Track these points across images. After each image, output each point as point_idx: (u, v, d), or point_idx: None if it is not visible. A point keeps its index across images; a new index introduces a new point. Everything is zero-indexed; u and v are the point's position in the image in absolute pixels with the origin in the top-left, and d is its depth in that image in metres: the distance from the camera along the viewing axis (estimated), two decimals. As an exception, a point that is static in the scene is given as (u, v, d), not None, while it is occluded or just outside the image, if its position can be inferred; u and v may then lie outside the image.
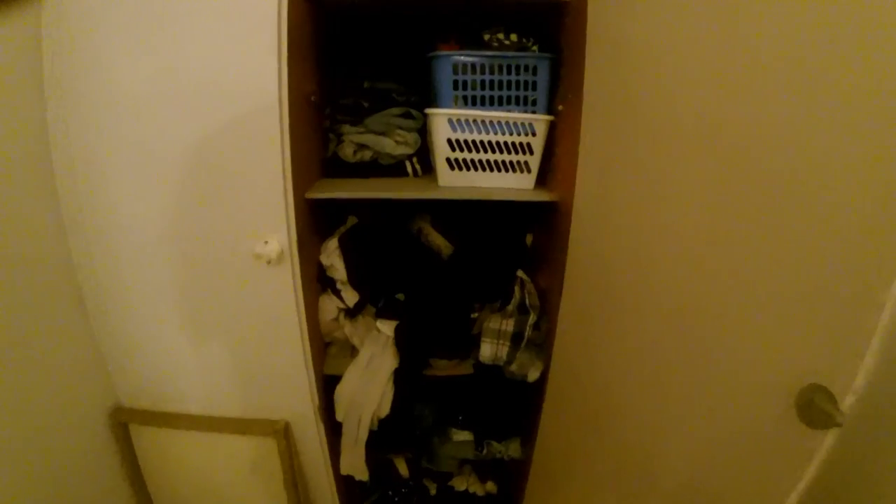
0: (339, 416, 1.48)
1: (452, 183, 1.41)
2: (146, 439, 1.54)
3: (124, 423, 1.49)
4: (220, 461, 1.56)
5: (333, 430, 1.54)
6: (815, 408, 0.64)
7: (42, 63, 1.15)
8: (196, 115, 1.19)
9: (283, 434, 1.46)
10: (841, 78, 0.60)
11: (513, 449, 1.75)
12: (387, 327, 1.49)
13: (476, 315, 1.53)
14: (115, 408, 1.48)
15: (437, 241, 1.57)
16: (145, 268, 1.34)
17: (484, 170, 1.40)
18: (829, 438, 0.65)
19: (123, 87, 1.17)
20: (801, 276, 0.68)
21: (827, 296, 0.65)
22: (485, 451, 1.75)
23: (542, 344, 1.48)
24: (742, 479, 0.81)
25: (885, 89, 0.56)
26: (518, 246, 1.58)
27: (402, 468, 1.83)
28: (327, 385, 1.51)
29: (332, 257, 1.46)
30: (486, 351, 1.47)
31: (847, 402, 0.62)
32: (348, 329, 1.51)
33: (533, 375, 1.50)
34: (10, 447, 1.15)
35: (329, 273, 1.49)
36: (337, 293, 1.48)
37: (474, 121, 1.34)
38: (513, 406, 1.69)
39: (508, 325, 1.46)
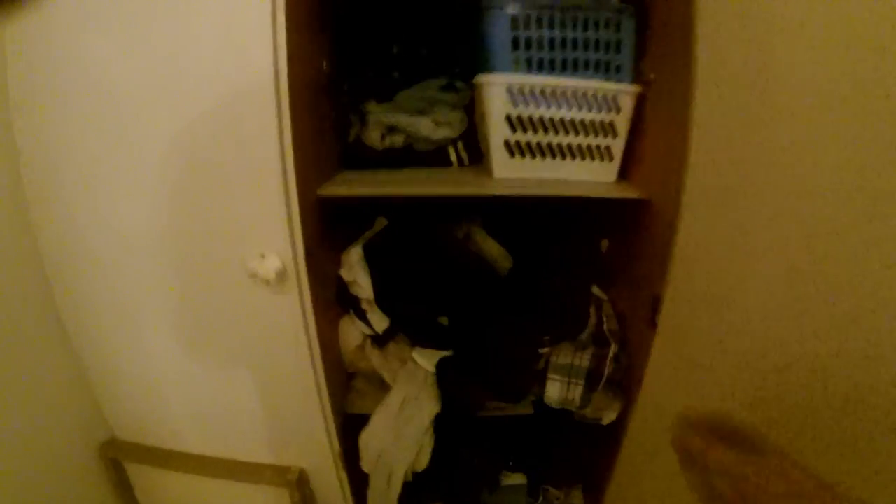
0: (367, 468, 1.19)
1: (512, 174, 1.07)
2: (143, 479, 1.34)
3: (118, 459, 1.29)
4: None
5: (358, 477, 1.25)
6: None
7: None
8: (179, 99, 0.93)
9: (297, 484, 1.20)
10: None
11: (575, 497, 1.44)
12: (426, 360, 1.17)
13: (546, 350, 1.17)
14: (108, 441, 1.28)
15: (492, 249, 1.22)
16: (129, 285, 1.10)
17: (553, 156, 1.07)
18: None
19: (95, 74, 0.92)
20: None
21: None
22: (540, 499, 1.44)
23: (620, 381, 1.16)
24: None
25: None
26: (593, 256, 1.23)
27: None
28: (352, 426, 1.22)
29: (355, 271, 1.15)
30: (554, 392, 1.15)
31: None
32: (377, 360, 1.20)
33: (609, 417, 1.18)
34: None
35: (352, 290, 1.18)
36: (362, 316, 1.17)
37: (541, 91, 1.01)
38: (578, 448, 1.37)
39: (582, 360, 1.13)
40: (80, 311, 1.14)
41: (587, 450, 1.35)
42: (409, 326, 1.23)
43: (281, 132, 0.89)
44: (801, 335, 0.70)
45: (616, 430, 1.19)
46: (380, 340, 1.21)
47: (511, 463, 1.44)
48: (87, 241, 1.06)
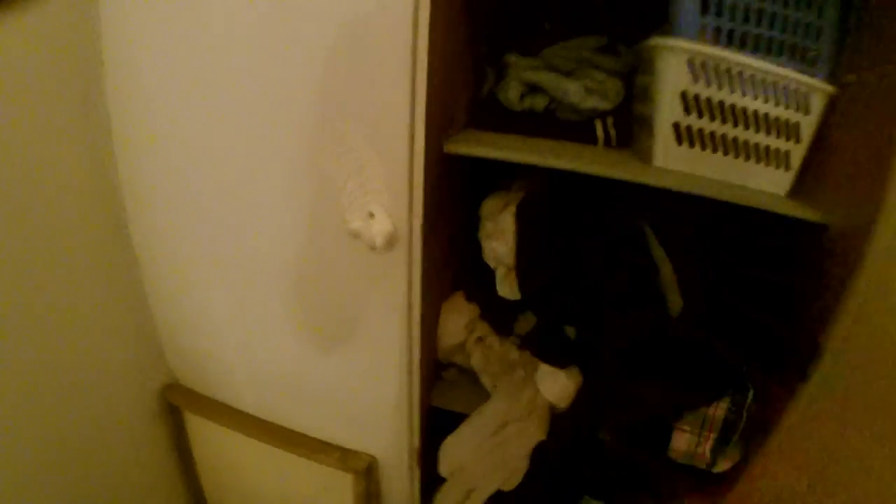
0: (444, 473, 1.08)
1: (676, 165, 0.91)
2: (201, 432, 1.34)
3: (178, 406, 1.30)
4: (282, 481, 1.30)
5: (428, 473, 1.16)
6: None
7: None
8: (297, 24, 0.80)
9: (366, 473, 1.12)
10: None
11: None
12: (551, 384, 1.02)
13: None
14: (171, 384, 1.30)
15: (665, 269, 0.96)
16: (208, 230, 1.04)
17: (726, 152, 0.90)
18: None
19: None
20: None
21: None
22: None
23: (746, 429, 0.99)
24: None
25: None
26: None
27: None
28: (433, 418, 1.12)
29: (502, 226, 1.02)
30: (681, 444, 0.99)
31: None
32: (477, 358, 1.08)
33: (721, 466, 1.02)
34: (56, 420, 1.03)
35: (488, 250, 1.06)
36: (486, 282, 1.06)
37: (727, 70, 0.85)
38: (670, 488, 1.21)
39: (719, 410, 0.97)
40: (159, 255, 1.12)
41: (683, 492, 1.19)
42: (541, 311, 1.08)
43: (416, 66, 0.76)
44: None
45: (721, 481, 1.03)
46: (499, 317, 1.09)
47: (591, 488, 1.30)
48: (173, 185, 1.01)
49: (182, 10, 0.84)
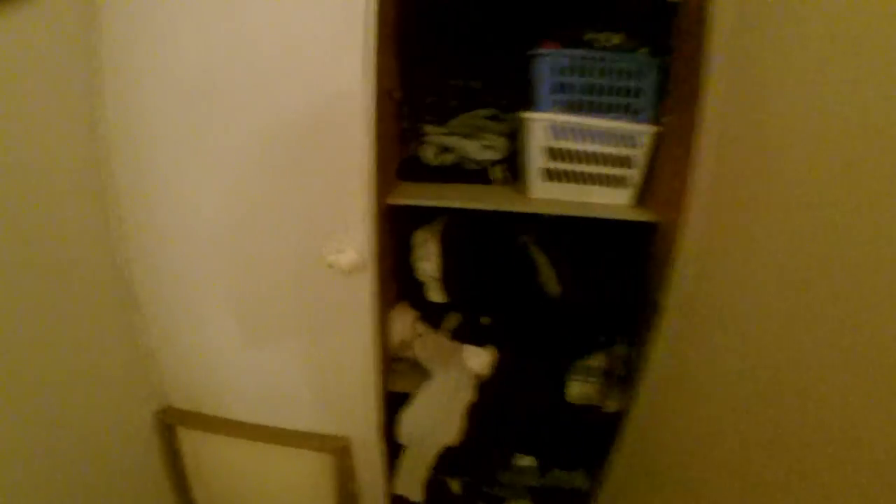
0: (403, 440, 1.42)
1: (545, 195, 1.32)
2: (193, 444, 1.53)
3: (171, 424, 1.48)
4: (270, 473, 1.54)
5: (391, 448, 1.49)
6: None
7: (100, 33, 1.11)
8: (268, 99, 1.13)
9: (342, 452, 1.42)
10: None
11: (578, 479, 1.67)
12: (474, 358, 1.39)
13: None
14: (164, 409, 1.47)
15: (543, 267, 1.40)
16: (204, 266, 1.32)
17: (578, 182, 1.32)
18: None
19: (188, 62, 1.12)
20: None
21: None
22: (547, 478, 1.68)
23: (625, 376, 1.40)
24: None
25: None
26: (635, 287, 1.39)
27: (455, 486, 1.78)
28: (391, 402, 1.46)
29: (429, 249, 1.40)
30: (575, 390, 1.39)
31: None
32: (419, 349, 1.45)
33: (611, 407, 1.42)
34: (53, 441, 1.13)
35: (419, 269, 1.42)
36: (420, 292, 1.43)
37: (573, 129, 1.26)
38: (584, 436, 1.61)
39: (599, 361, 1.38)
40: (155, 288, 1.34)
41: (590, 436, 1.58)
42: (463, 309, 1.47)
43: (367, 145, 1.12)
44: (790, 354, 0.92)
45: (616, 420, 1.42)
46: (432, 317, 1.47)
47: (523, 446, 1.68)
48: (169, 225, 1.26)
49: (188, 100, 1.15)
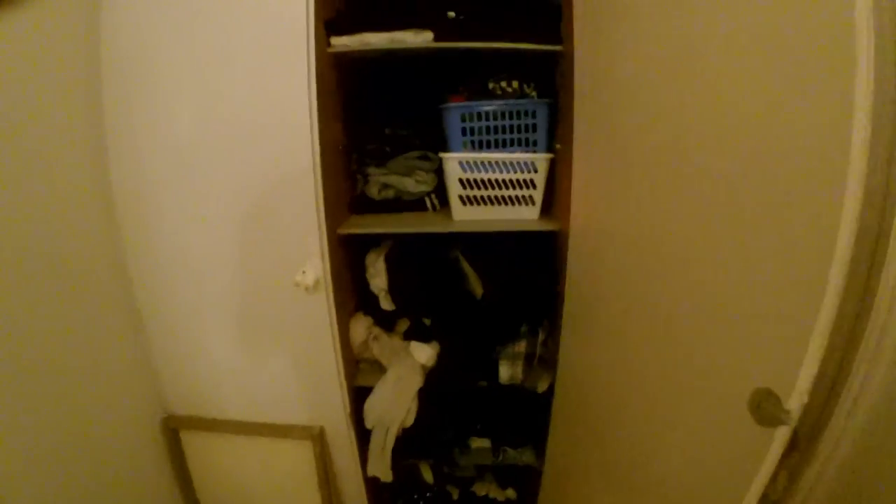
0: (369, 425, 1.73)
1: (465, 217, 1.66)
2: (195, 444, 1.82)
3: (175, 428, 1.78)
4: (261, 463, 1.83)
5: (362, 436, 1.79)
6: (763, 409, 0.77)
7: (103, 110, 1.47)
8: (242, 162, 1.48)
9: (319, 438, 1.72)
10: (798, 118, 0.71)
11: (527, 456, 1.98)
12: (420, 352, 1.73)
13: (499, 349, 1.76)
14: (168, 416, 1.77)
15: (469, 274, 1.77)
16: (198, 291, 1.63)
17: (492, 204, 1.65)
18: (778, 433, 0.79)
19: (178, 133, 1.47)
20: (750, 301, 0.82)
21: (770, 316, 0.78)
22: (501, 458, 1.98)
23: (550, 359, 1.72)
24: (714, 472, 0.94)
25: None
26: (546, 285, 1.75)
27: (427, 474, 2.08)
28: (358, 396, 1.76)
29: (378, 268, 1.74)
30: (504, 373, 1.73)
31: (791, 404, 0.75)
32: (376, 349, 1.76)
33: (542, 387, 1.75)
34: (67, 449, 1.37)
35: (372, 283, 1.76)
36: (374, 303, 1.77)
37: (482, 162, 1.59)
38: (527, 416, 1.92)
39: (521, 347, 1.71)
40: (158, 312, 1.66)
41: (533, 415, 1.87)
42: (408, 314, 1.82)
43: (316, 191, 1.46)
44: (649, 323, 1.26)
45: (549, 398, 1.75)
46: (385, 322, 1.81)
47: (479, 427, 2.00)
48: (169, 258, 1.59)
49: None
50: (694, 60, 0.93)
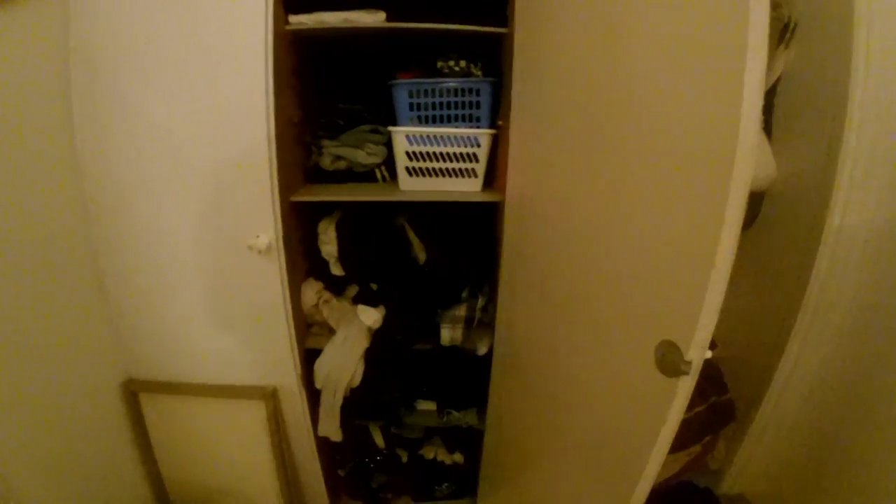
0: (318, 385, 1.83)
1: (412, 187, 1.77)
2: (154, 407, 1.89)
3: (134, 391, 1.85)
4: (217, 423, 1.92)
5: (313, 397, 1.89)
6: (667, 360, 0.86)
7: (71, 98, 1.54)
8: (205, 139, 1.57)
9: (272, 397, 1.82)
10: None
11: (470, 417, 2.10)
12: (366, 315, 1.84)
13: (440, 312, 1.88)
14: (128, 379, 1.85)
15: (414, 241, 1.88)
16: (160, 258, 1.71)
17: (437, 176, 1.76)
18: (681, 383, 0.85)
19: (144, 111, 1.55)
20: (654, 262, 0.93)
21: (672, 275, 0.88)
22: (445, 419, 2.11)
23: (490, 322, 1.85)
24: (628, 420, 1.04)
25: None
26: (486, 252, 1.90)
27: (378, 438, 2.19)
28: (309, 358, 1.87)
29: (329, 235, 1.84)
30: (446, 335, 1.85)
31: (690, 355, 0.82)
32: (326, 312, 1.86)
33: (482, 350, 1.87)
34: (29, 411, 1.44)
35: (323, 250, 1.87)
36: (325, 269, 1.89)
37: (428, 136, 1.70)
38: (470, 378, 2.04)
39: (461, 311, 1.83)
40: (122, 278, 1.73)
41: (476, 378, 2.01)
42: (357, 280, 1.94)
43: (270, 161, 1.56)
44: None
45: (489, 360, 1.88)
46: (335, 287, 1.92)
47: (425, 389, 2.13)
48: (133, 226, 1.66)
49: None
50: (616, 49, 1.04)
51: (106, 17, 1.49)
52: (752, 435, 1.68)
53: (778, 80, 1.57)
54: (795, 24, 1.50)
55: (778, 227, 1.63)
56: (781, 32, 1.52)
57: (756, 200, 1.67)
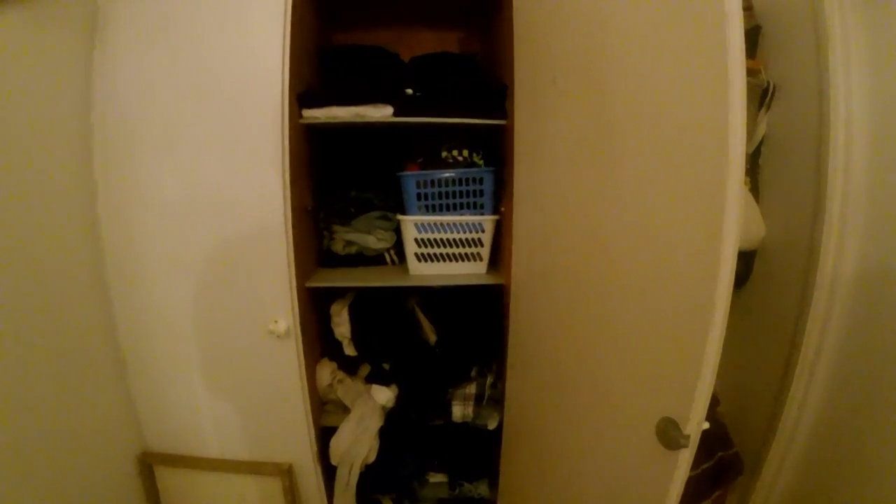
0: (334, 461, 1.95)
1: (420, 272, 1.93)
2: (169, 480, 1.97)
3: (150, 464, 1.93)
4: (233, 498, 1.99)
5: (328, 473, 1.99)
6: (667, 435, 0.95)
7: (94, 176, 1.67)
8: (220, 221, 1.70)
9: (287, 473, 1.92)
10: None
11: (482, 489, 2.21)
12: (380, 394, 1.97)
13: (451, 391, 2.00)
14: (144, 452, 1.92)
15: (424, 322, 2.02)
16: (178, 337, 1.82)
17: (444, 261, 1.91)
18: (681, 455, 0.94)
19: (161, 198, 1.68)
20: (655, 345, 1.01)
21: (670, 358, 0.97)
22: (457, 491, 2.21)
23: (499, 399, 1.98)
24: (631, 490, 1.12)
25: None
26: (493, 332, 2.02)
27: (389, 509, 2.31)
28: (324, 435, 1.97)
29: (343, 317, 1.98)
30: (457, 412, 1.97)
31: (688, 430, 0.92)
32: (341, 392, 1.99)
33: (492, 425, 2.00)
34: (47, 481, 1.48)
35: (337, 332, 2.00)
36: (339, 349, 2.02)
37: (435, 224, 1.86)
38: (481, 451, 2.16)
39: (471, 388, 1.97)
40: (140, 357, 1.83)
41: (486, 451, 2.12)
42: (369, 360, 2.08)
43: (288, 249, 1.70)
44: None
45: (499, 434, 2.00)
46: (349, 367, 2.06)
47: (436, 463, 2.24)
48: (151, 308, 1.78)
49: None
50: (606, 141, 1.17)
51: (125, 97, 1.65)
52: (761, 485, 1.77)
53: (762, 142, 1.75)
54: (775, 88, 1.70)
55: (771, 282, 1.77)
56: (762, 97, 1.71)
57: (749, 258, 1.83)
